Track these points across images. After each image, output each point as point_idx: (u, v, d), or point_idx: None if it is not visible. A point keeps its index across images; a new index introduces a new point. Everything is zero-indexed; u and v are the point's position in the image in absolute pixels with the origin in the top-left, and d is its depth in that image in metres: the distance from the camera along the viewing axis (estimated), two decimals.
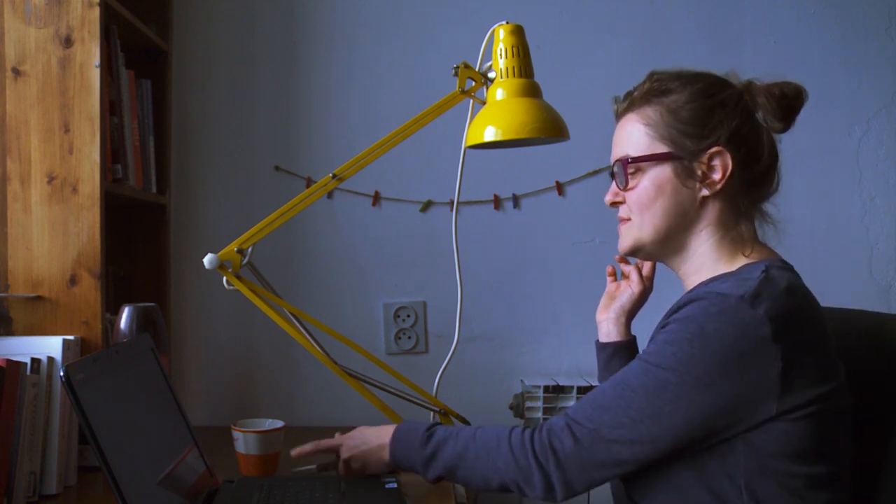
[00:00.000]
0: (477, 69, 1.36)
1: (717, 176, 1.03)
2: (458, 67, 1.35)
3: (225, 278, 1.34)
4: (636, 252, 1.10)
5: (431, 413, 1.43)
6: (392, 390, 1.43)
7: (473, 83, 1.36)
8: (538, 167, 1.88)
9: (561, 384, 1.76)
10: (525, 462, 1.01)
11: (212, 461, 1.25)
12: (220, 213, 1.88)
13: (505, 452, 1.03)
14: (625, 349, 1.27)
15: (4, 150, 1.39)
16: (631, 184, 1.07)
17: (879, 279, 1.94)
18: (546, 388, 1.76)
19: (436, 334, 1.91)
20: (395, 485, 1.20)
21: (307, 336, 1.39)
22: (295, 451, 1.26)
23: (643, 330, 1.27)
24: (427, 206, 1.89)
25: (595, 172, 1.89)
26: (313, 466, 1.32)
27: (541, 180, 1.90)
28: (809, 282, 1.02)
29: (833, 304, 1.05)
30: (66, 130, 1.39)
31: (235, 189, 1.89)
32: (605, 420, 0.97)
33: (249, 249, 1.35)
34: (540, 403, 1.76)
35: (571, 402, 1.75)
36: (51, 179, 1.39)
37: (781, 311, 0.92)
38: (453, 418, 1.43)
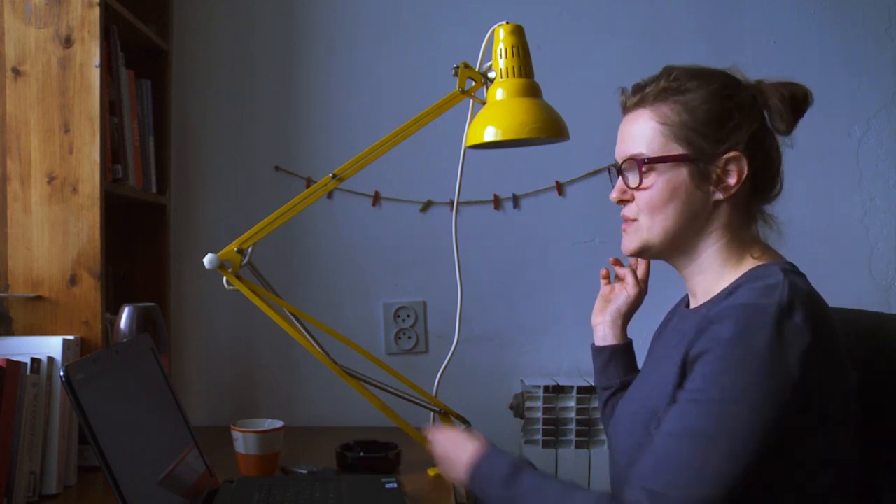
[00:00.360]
0: (477, 69, 1.36)
1: (732, 181, 1.01)
2: (458, 67, 1.35)
3: (225, 278, 1.34)
4: (642, 253, 1.07)
5: (431, 413, 1.43)
6: (392, 390, 1.43)
7: (473, 83, 1.36)
8: (538, 167, 1.88)
9: (561, 384, 1.76)
10: None
11: (212, 461, 1.25)
12: (220, 213, 1.88)
13: None
14: (622, 352, 1.26)
15: (4, 150, 1.39)
16: (644, 183, 1.03)
17: (879, 279, 1.94)
18: (546, 388, 1.76)
19: (436, 334, 1.91)
20: (395, 485, 1.20)
21: (307, 336, 1.39)
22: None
23: (639, 333, 1.28)
24: (427, 206, 1.89)
25: (595, 172, 1.89)
26: (305, 471, 1.32)
27: (541, 180, 1.90)
28: (810, 282, 1.01)
29: (833, 304, 1.04)
30: (66, 130, 1.39)
31: (235, 189, 1.89)
32: (690, 480, 0.89)
33: (249, 249, 1.35)
34: (540, 403, 1.76)
35: (571, 403, 1.75)
36: (51, 179, 1.39)
37: (815, 318, 0.92)
38: (453, 418, 1.43)
